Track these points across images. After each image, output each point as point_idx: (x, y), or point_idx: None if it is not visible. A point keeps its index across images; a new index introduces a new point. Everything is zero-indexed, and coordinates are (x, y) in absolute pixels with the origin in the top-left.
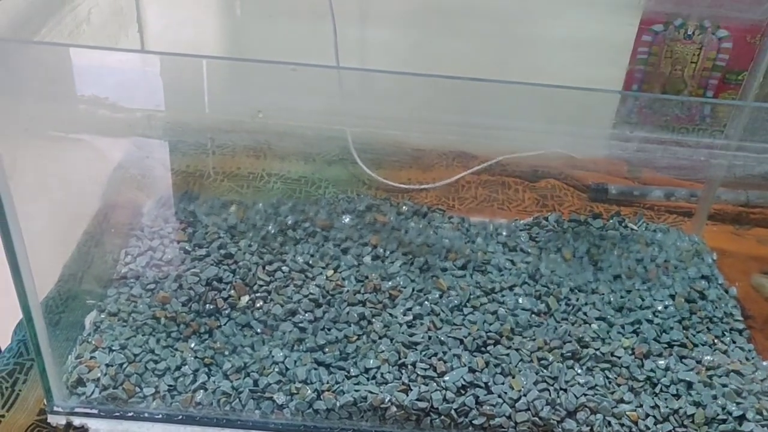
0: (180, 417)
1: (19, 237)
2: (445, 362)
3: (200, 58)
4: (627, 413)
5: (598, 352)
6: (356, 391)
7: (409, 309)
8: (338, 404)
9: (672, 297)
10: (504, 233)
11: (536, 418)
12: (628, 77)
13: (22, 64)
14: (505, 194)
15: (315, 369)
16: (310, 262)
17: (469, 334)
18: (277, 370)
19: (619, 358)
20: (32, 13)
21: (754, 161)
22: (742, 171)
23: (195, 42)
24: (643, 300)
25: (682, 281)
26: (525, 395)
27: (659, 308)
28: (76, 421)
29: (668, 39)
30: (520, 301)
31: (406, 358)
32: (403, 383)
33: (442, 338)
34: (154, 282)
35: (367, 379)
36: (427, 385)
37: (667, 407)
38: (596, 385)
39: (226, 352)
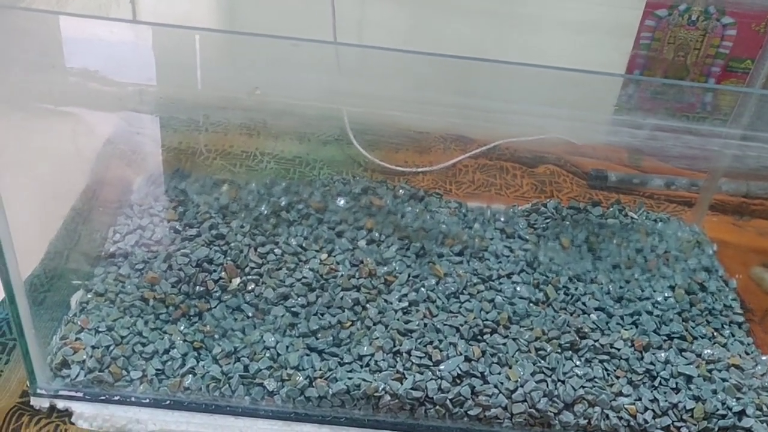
0: (168, 402)
1: (1, 211)
2: (440, 351)
3: (193, 31)
4: (625, 406)
5: (596, 344)
6: (349, 378)
7: (405, 295)
8: (331, 392)
9: (672, 288)
10: (502, 219)
11: (533, 410)
12: (631, 62)
13: (3, 31)
14: (503, 179)
15: (307, 355)
16: (304, 244)
17: (466, 322)
18: (268, 355)
19: (619, 349)
20: None
21: (766, 152)
22: (756, 162)
23: (189, 16)
24: (642, 291)
25: (682, 272)
26: (522, 386)
27: (659, 299)
28: (60, 405)
29: (672, 24)
30: (518, 289)
31: (401, 345)
32: (398, 371)
33: (438, 326)
34: (142, 262)
35: (361, 367)
36: (422, 373)
37: (666, 401)
38: (595, 377)
39: (216, 336)
